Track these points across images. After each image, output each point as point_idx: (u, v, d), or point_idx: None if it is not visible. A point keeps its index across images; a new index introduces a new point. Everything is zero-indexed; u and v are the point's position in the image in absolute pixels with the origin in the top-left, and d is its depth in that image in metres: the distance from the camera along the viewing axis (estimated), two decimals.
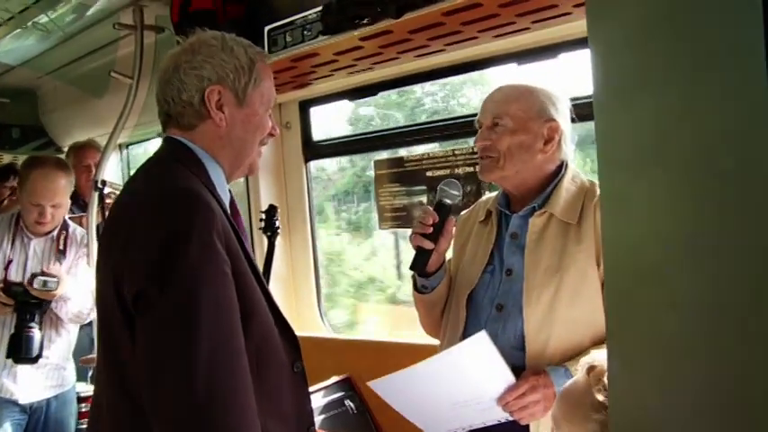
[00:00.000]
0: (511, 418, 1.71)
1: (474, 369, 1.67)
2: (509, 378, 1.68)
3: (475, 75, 2.78)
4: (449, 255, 1.99)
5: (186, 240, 1.28)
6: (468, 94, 3.36)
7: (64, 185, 2.90)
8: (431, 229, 1.83)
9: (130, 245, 1.32)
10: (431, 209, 1.86)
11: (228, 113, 1.49)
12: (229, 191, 1.55)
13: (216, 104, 1.47)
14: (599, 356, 1.28)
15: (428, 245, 1.83)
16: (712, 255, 0.63)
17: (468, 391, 1.71)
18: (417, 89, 3.51)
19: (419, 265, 1.87)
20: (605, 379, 1.21)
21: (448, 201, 1.85)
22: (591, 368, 1.26)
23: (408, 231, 3.12)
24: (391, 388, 1.77)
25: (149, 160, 1.55)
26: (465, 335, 1.86)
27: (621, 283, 0.69)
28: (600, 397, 1.20)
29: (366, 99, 3.16)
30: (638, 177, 0.70)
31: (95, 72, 3.35)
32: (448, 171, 2.84)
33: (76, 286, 2.92)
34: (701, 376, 0.63)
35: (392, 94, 3.26)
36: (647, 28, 0.68)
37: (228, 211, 1.45)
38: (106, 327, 1.40)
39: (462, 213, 2.11)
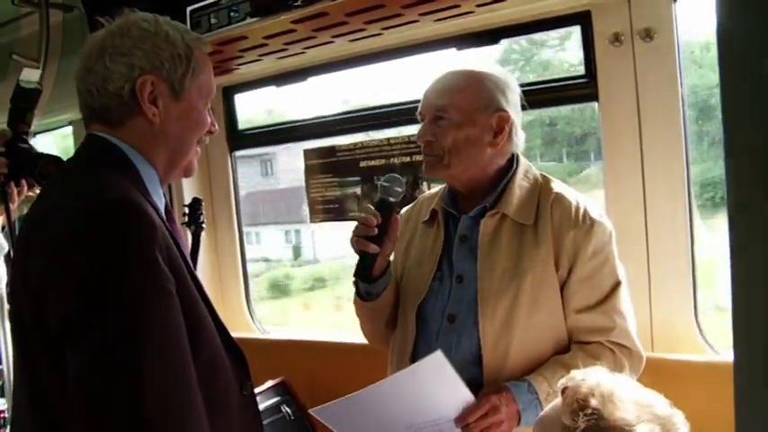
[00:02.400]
0: None
1: (430, 390, 1.55)
2: (468, 397, 1.57)
3: None
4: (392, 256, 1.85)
5: (125, 259, 1.11)
6: None
7: None
8: (375, 231, 1.67)
9: (57, 265, 1.13)
10: (372, 208, 1.70)
11: (163, 108, 1.31)
12: (163, 195, 1.38)
13: (148, 97, 1.29)
14: (578, 376, 1.19)
15: (373, 249, 1.68)
16: None
17: (425, 412, 1.58)
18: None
19: (364, 271, 1.72)
20: (576, 401, 1.12)
21: (391, 198, 1.70)
22: (563, 389, 1.17)
23: (342, 225, 3.05)
24: (338, 414, 1.62)
25: (70, 162, 1.36)
26: (416, 348, 1.75)
27: None
28: (566, 420, 1.11)
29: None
30: None
31: None
32: (383, 161, 2.73)
33: None
34: None
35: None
36: None
37: (165, 219, 1.28)
38: (24, 355, 1.22)
39: (403, 211, 1.97)
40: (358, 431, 1.65)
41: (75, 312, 1.10)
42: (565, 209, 1.68)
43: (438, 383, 1.54)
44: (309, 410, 1.64)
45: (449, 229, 1.80)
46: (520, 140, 1.77)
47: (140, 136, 1.31)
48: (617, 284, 1.67)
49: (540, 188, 1.74)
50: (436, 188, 1.95)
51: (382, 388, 1.55)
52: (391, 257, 1.82)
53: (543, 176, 1.78)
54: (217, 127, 1.43)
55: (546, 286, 1.65)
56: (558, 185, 1.75)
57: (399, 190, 1.71)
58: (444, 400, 1.57)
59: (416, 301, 1.76)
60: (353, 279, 1.79)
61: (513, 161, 1.77)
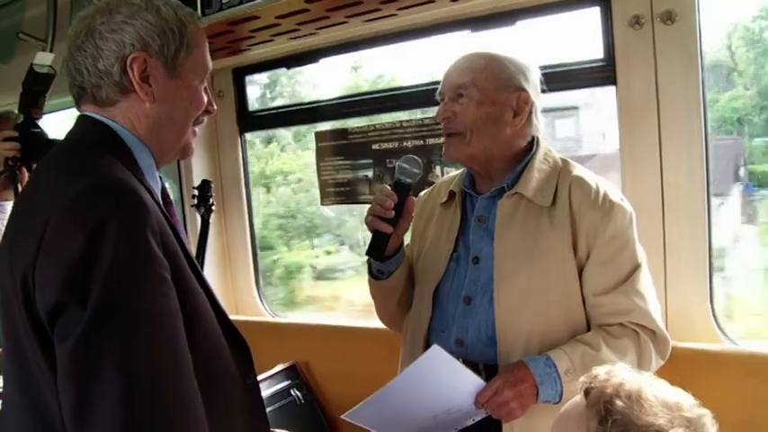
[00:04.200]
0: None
1: (440, 381, 1.56)
2: (476, 381, 1.57)
3: None
4: (406, 239, 1.83)
5: (114, 243, 1.05)
6: None
7: None
8: (392, 213, 1.66)
9: (43, 250, 1.07)
10: (389, 189, 1.68)
11: (156, 86, 1.25)
12: (160, 178, 1.33)
13: (140, 75, 1.23)
14: (601, 374, 1.14)
15: (387, 228, 1.67)
16: None
17: (444, 402, 1.59)
18: None
19: (377, 249, 1.71)
20: (602, 404, 1.07)
21: (408, 179, 1.69)
22: (588, 390, 1.12)
23: (353, 208, 3.03)
24: (368, 415, 1.63)
25: (60, 145, 1.30)
26: (431, 330, 1.76)
27: None
28: (593, 425, 1.06)
29: None
30: None
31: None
32: (395, 144, 2.70)
33: None
34: None
35: None
36: None
37: (161, 203, 1.24)
38: (12, 338, 1.17)
39: (421, 194, 1.96)
40: (392, 427, 1.66)
41: (62, 300, 1.04)
42: (584, 191, 1.66)
43: (444, 374, 1.54)
44: (342, 416, 1.63)
45: (466, 211, 1.79)
46: (540, 123, 1.76)
47: (133, 116, 1.26)
48: (636, 267, 1.65)
49: (560, 171, 1.72)
50: (454, 172, 1.93)
51: (393, 387, 1.56)
52: (407, 240, 1.80)
53: (563, 160, 1.76)
54: (215, 107, 1.38)
55: (562, 269, 1.64)
56: (578, 169, 1.73)
57: (416, 171, 1.69)
58: (457, 387, 1.57)
59: (433, 283, 1.76)
60: (366, 258, 1.78)
61: (532, 144, 1.76)
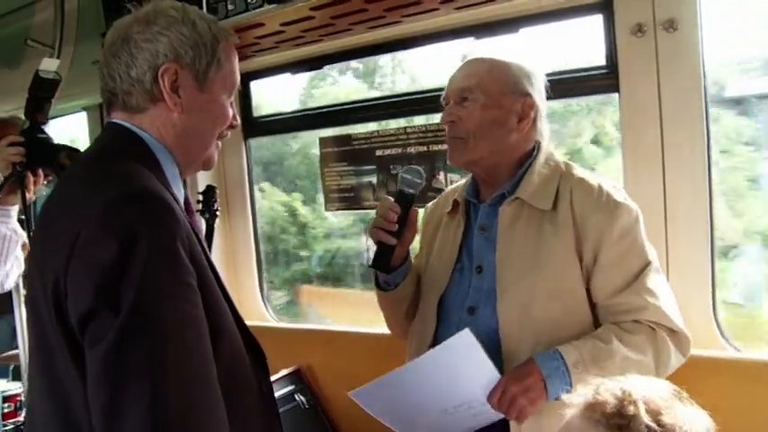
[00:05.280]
0: (502, 416, 1.57)
1: (459, 369, 1.54)
2: (495, 375, 1.54)
3: None
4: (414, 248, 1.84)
5: (145, 251, 1.07)
6: None
7: None
8: (396, 226, 1.66)
9: (75, 258, 1.09)
10: (392, 200, 1.68)
11: (185, 98, 1.28)
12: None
13: (171, 86, 1.27)
14: (595, 383, 1.12)
15: (391, 240, 1.67)
16: None
17: (456, 394, 1.57)
18: None
19: (382, 262, 1.71)
20: (615, 415, 1.05)
21: (411, 190, 1.68)
22: (588, 404, 1.09)
23: (357, 214, 3.03)
24: (375, 397, 1.62)
25: (90, 151, 1.33)
26: (436, 340, 1.72)
27: None
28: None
29: None
30: None
31: (8, 39, 3.02)
32: (399, 150, 2.70)
33: None
34: None
35: None
36: None
37: (184, 211, 1.25)
38: (41, 344, 1.19)
39: (428, 205, 1.96)
40: (394, 415, 1.65)
41: (94, 308, 1.06)
42: (586, 193, 1.65)
43: (467, 362, 1.53)
44: (348, 393, 1.62)
45: (470, 219, 1.78)
46: (545, 128, 1.75)
47: (161, 125, 1.29)
48: (646, 265, 1.62)
49: (561, 174, 1.70)
50: (458, 178, 1.93)
51: (413, 367, 1.55)
52: (415, 247, 1.80)
53: (566, 164, 1.74)
54: (238, 121, 1.41)
55: (566, 275, 1.61)
56: (580, 171, 1.72)
57: (418, 181, 1.69)
58: (474, 380, 1.55)
59: (438, 293, 1.75)
60: (372, 269, 1.77)
61: (534, 149, 1.75)
